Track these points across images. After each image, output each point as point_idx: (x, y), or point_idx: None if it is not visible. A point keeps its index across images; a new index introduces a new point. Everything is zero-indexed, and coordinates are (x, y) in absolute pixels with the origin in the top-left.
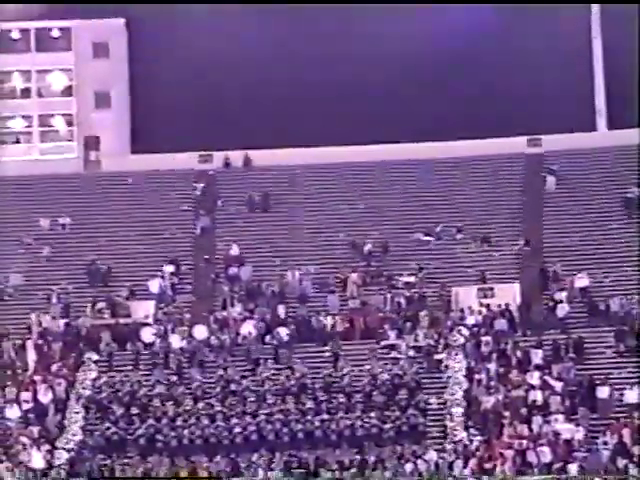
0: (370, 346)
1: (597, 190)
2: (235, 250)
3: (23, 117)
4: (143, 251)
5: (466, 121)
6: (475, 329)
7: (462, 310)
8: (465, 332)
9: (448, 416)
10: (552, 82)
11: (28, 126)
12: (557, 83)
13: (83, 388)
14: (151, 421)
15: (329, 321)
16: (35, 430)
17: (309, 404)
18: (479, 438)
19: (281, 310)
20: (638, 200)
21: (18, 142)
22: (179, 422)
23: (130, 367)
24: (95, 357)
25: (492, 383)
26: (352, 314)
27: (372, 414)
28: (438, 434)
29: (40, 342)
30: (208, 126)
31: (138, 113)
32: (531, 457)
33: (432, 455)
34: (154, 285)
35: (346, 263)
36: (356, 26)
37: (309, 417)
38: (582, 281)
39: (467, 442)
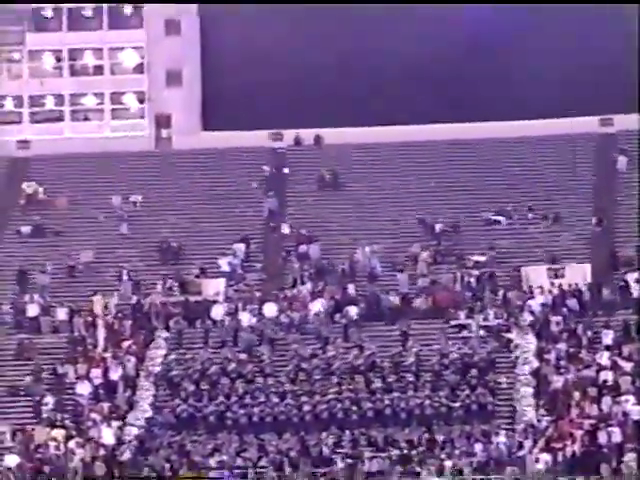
0: (439, 325)
1: None
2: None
3: (95, 94)
4: (214, 229)
5: (538, 100)
6: (545, 309)
7: (532, 290)
8: (535, 312)
9: (517, 396)
10: (624, 63)
11: (100, 103)
12: (629, 64)
13: (153, 365)
14: (221, 398)
15: (398, 300)
16: (105, 406)
17: (378, 383)
18: (548, 418)
19: (350, 288)
20: None
21: (88, 119)
22: (248, 400)
23: (200, 344)
24: (165, 334)
25: (562, 363)
26: (422, 293)
27: (441, 393)
28: (507, 414)
29: (111, 319)
30: (279, 104)
31: (209, 91)
32: (601, 437)
33: (501, 436)
34: (224, 263)
35: (416, 241)
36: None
37: (378, 396)
38: None
39: (536, 422)
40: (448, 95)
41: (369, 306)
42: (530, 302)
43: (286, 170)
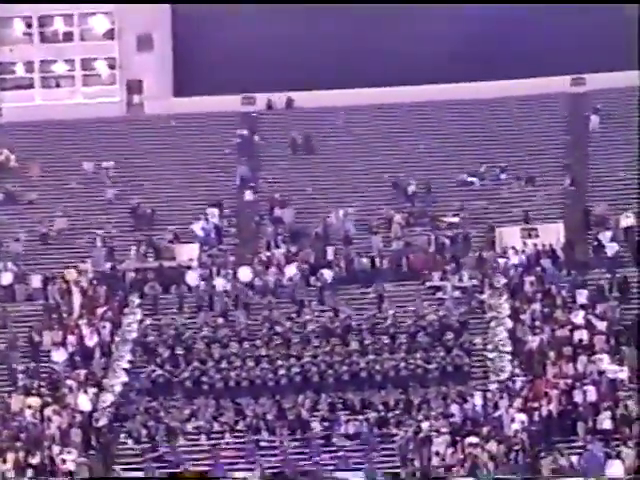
0: (414, 287)
1: None
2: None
3: (65, 61)
4: (187, 194)
5: (509, 60)
6: (519, 269)
7: (506, 250)
8: (509, 272)
9: (493, 356)
10: (596, 21)
11: (70, 70)
12: (601, 22)
13: (128, 331)
14: (196, 363)
15: (372, 262)
16: (81, 373)
17: (354, 345)
18: (524, 378)
19: (325, 252)
20: None
21: (59, 86)
22: (224, 364)
23: (175, 310)
24: (140, 300)
25: (537, 323)
26: (396, 255)
27: (417, 355)
28: (483, 375)
29: (85, 285)
30: (250, 69)
31: (180, 56)
32: (577, 397)
33: (477, 397)
34: (198, 228)
35: (390, 204)
36: None
37: (354, 358)
38: (627, 220)
39: (511, 382)
40: (419, 57)
41: (344, 269)
42: (504, 262)
43: (257, 137)
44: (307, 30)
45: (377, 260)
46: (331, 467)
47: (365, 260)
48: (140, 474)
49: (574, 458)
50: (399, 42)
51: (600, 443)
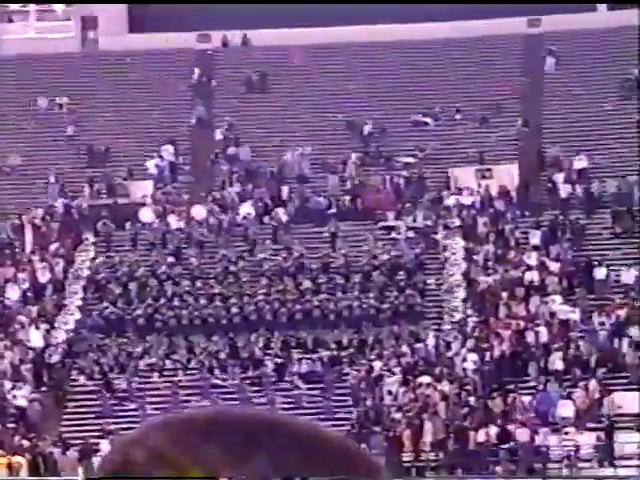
0: (368, 227)
1: (596, 71)
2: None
3: None
4: (142, 131)
5: (465, 2)
6: (473, 210)
7: (460, 191)
8: (463, 213)
9: (446, 297)
10: None
11: (24, 5)
12: None
13: (81, 268)
14: (149, 301)
15: (327, 202)
16: (34, 309)
17: (307, 284)
18: (476, 319)
19: (279, 191)
20: (637, 81)
21: (11, 21)
22: (177, 302)
23: (128, 247)
24: (93, 238)
25: (489, 264)
26: (351, 194)
27: (370, 294)
28: (435, 315)
29: (38, 222)
30: (206, 6)
31: None
32: (529, 337)
33: (430, 337)
34: (152, 165)
35: (345, 144)
36: None
37: (307, 297)
38: (580, 163)
39: (464, 323)
40: None
41: (298, 208)
42: (458, 202)
43: (212, 76)
44: None
45: (331, 200)
46: (285, 406)
47: (320, 199)
48: (94, 410)
49: (527, 398)
50: None
51: (555, 384)
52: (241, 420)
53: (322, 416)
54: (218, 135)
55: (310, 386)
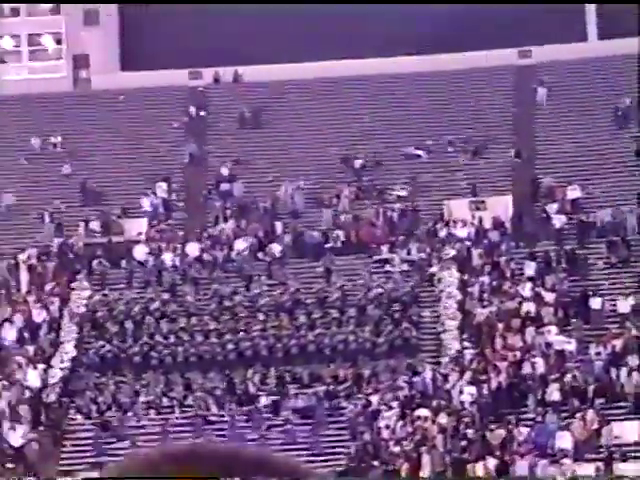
0: (363, 260)
1: (588, 101)
2: (226, 167)
3: (11, 36)
4: (135, 169)
5: (456, 34)
6: (467, 242)
7: (454, 223)
8: (457, 245)
9: (441, 329)
10: None
11: (17, 45)
12: None
13: (77, 307)
14: (145, 339)
15: (321, 236)
16: (30, 349)
17: (302, 319)
18: (472, 351)
19: (273, 226)
20: (629, 110)
21: (4, 62)
22: (173, 339)
23: (123, 285)
24: (88, 276)
25: (485, 295)
26: (345, 229)
27: (366, 328)
28: (432, 347)
29: (33, 261)
30: (198, 43)
31: (127, 30)
32: (526, 369)
33: (427, 370)
34: (146, 203)
35: (338, 178)
36: None
37: (302, 332)
38: (574, 192)
39: (461, 355)
40: (363, 31)
41: (292, 243)
42: (452, 235)
43: (202, 113)
44: (256, 5)
45: (326, 234)
46: (278, 441)
47: (314, 234)
48: (90, 449)
49: (525, 430)
50: (345, 17)
51: (553, 415)
52: (214, 454)
53: (314, 451)
54: (224, 170)
55: (306, 421)
